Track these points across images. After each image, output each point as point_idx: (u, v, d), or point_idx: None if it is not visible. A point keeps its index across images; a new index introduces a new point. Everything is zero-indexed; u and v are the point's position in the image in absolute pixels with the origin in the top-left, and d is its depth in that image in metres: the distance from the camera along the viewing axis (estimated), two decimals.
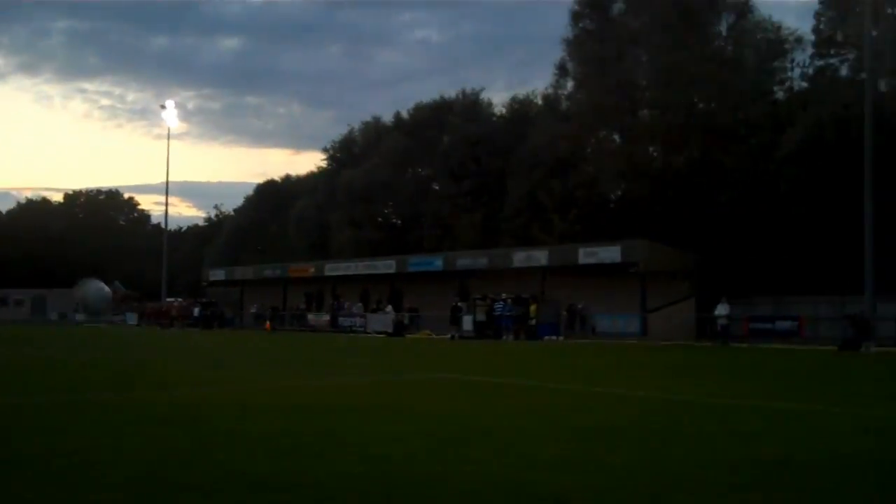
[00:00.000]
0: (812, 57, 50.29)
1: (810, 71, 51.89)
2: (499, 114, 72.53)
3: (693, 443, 10.36)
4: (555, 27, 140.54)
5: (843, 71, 47.37)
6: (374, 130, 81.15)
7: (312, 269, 64.67)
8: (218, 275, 75.26)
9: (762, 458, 9.26)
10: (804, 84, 52.54)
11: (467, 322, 47.87)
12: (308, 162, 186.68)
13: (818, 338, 38.22)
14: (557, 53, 70.42)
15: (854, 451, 9.67)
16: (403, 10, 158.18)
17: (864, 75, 38.58)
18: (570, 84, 61.50)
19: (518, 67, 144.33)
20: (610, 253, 45.36)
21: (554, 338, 43.33)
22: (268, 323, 58.33)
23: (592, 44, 57.69)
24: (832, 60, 48.80)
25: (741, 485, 7.85)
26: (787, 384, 18.72)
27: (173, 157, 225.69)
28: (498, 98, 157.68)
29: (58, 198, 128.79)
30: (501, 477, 8.21)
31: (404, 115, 79.61)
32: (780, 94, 55.69)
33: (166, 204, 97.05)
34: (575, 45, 59.38)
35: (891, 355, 30.02)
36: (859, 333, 33.60)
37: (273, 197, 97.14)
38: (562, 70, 61.31)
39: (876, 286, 36.23)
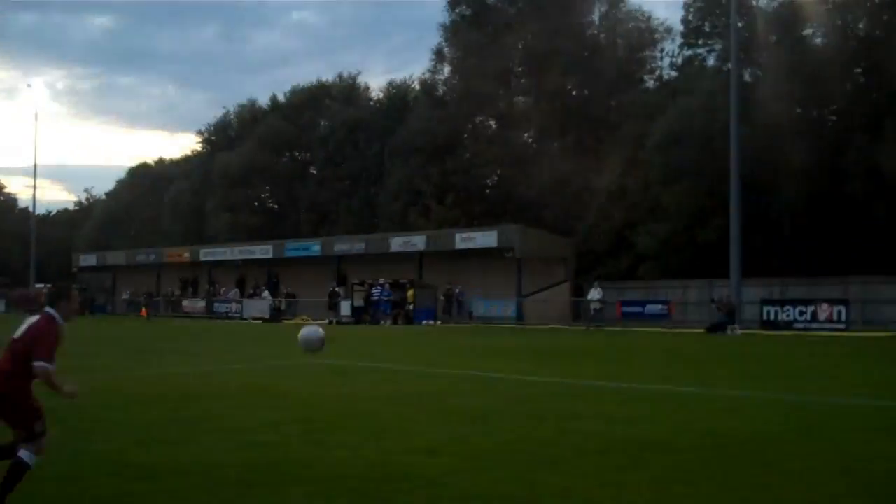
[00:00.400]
0: (681, 47, 51.65)
1: (679, 61, 53.31)
2: (376, 98, 72.37)
3: (564, 424, 10.61)
4: (433, 12, 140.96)
5: (711, 61, 48.79)
6: (251, 113, 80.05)
7: (188, 255, 63.45)
8: (89, 260, 73.09)
9: (631, 438, 9.57)
10: (673, 73, 53.97)
11: (345, 307, 47.78)
12: (183, 145, 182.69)
13: (687, 321, 39.37)
14: (436, 39, 70.64)
15: (721, 430, 10.06)
16: None
17: (730, 65, 39.79)
18: (447, 70, 61.87)
19: (397, 52, 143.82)
20: (486, 238, 45.82)
21: (431, 322, 43.56)
22: (143, 309, 57.11)
23: (469, 30, 58.13)
24: (700, 50, 50.21)
25: (610, 465, 8.12)
26: (657, 366, 19.26)
27: (44, 138, 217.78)
28: (376, 83, 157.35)
29: None
30: (376, 461, 8.30)
31: (281, 98, 78.76)
32: (650, 83, 57.14)
33: (34, 187, 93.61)
34: (452, 31, 59.76)
35: (755, 337, 31.17)
36: (726, 316, 34.78)
37: (147, 180, 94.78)
38: (439, 55, 61.67)
39: (742, 271, 37.51)
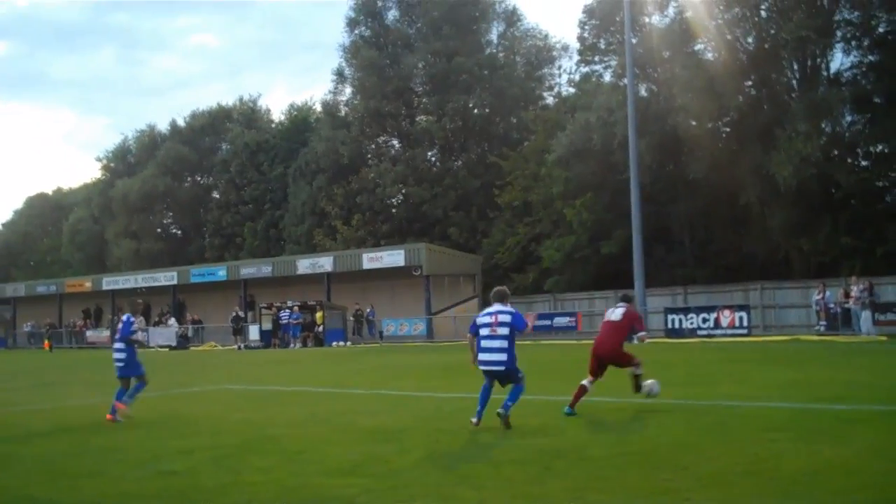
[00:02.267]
0: (578, 64, 52.51)
1: (577, 77, 54.23)
2: (278, 121, 71.98)
3: (477, 438, 10.71)
4: (334, 34, 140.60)
5: (607, 77, 49.71)
6: (150, 139, 78.96)
7: (89, 284, 62.09)
8: None
9: (545, 448, 9.68)
10: (571, 90, 54.82)
11: (254, 331, 47.31)
12: (83, 173, 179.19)
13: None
14: (337, 60, 70.63)
15: (632, 437, 10.26)
16: (179, 13, 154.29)
17: (625, 81, 40.59)
18: (348, 90, 61.89)
19: (298, 74, 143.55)
20: (393, 257, 45.89)
21: (341, 343, 43.38)
22: (46, 341, 55.58)
23: (369, 50, 58.26)
24: (596, 67, 51.10)
25: (525, 477, 8.20)
26: (567, 377, 19.42)
27: None
28: (278, 105, 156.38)
29: None
30: (291, 484, 8.27)
31: (181, 122, 77.83)
32: (549, 100, 57.99)
33: None
34: (352, 52, 59.86)
35: (661, 345, 31.70)
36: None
37: (45, 210, 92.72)
38: (340, 76, 61.71)
39: (645, 281, 38.22)
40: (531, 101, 57.40)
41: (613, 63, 48.22)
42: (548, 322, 41.97)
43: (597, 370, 12.74)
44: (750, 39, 42.90)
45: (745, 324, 35.71)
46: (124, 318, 14.54)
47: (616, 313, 12.90)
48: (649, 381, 12.95)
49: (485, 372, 11.71)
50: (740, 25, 42.74)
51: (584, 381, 12.74)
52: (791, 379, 15.49)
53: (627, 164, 38.64)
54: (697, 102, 40.06)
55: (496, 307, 11.73)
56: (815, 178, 36.93)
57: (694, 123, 40.91)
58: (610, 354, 12.79)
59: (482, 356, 11.63)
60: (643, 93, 45.70)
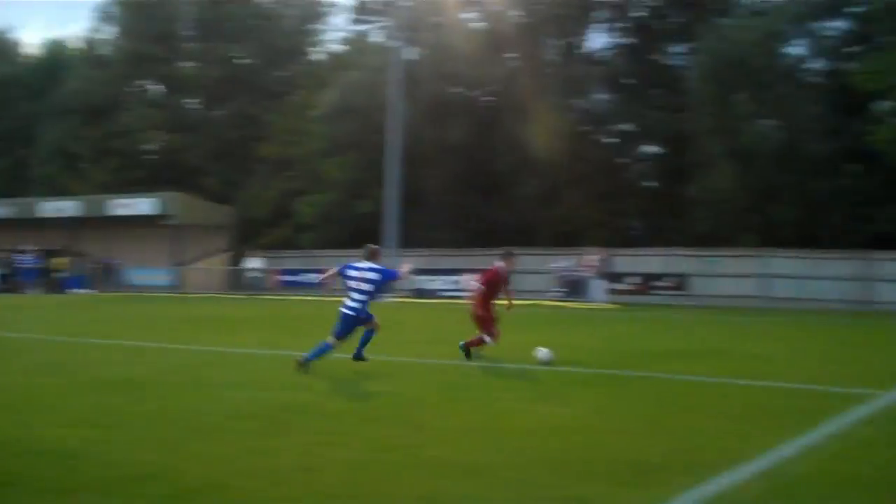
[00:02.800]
0: (351, 21, 52.32)
1: (348, 35, 53.98)
2: (32, 55, 67.57)
3: (216, 392, 10.57)
4: None
5: (378, 37, 49.76)
6: None
7: None
8: None
9: (283, 403, 9.68)
10: (342, 47, 54.53)
11: None
12: None
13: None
14: None
15: (370, 393, 10.43)
16: None
17: (395, 42, 40.83)
18: (110, 29, 58.95)
19: (58, 7, 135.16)
20: (145, 205, 44.44)
21: (84, 291, 41.66)
22: None
23: None
24: (367, 27, 51.09)
25: (260, 431, 8.18)
26: (311, 333, 19.45)
27: None
28: (34, 39, 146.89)
29: None
30: (14, 435, 7.92)
31: None
32: (318, 56, 57.48)
33: None
34: None
35: (408, 305, 32.25)
36: None
37: None
38: (102, 14, 58.65)
39: (399, 243, 38.78)
40: (300, 56, 56.67)
41: (385, 24, 48.37)
42: (297, 278, 41.90)
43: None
44: (515, 12, 44.12)
45: None
46: None
47: None
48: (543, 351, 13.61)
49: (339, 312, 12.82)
50: None
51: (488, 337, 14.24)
52: (525, 341, 16.16)
53: (389, 126, 38.93)
54: (462, 70, 40.79)
55: (366, 264, 13.03)
56: (564, 151, 38.46)
57: (458, 90, 41.65)
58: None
59: (344, 301, 12.90)
60: (412, 56, 46.10)
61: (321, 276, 14.18)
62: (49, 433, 8.00)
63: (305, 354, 12.22)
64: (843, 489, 6.25)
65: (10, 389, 10.71)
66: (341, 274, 13.26)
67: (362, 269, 12.95)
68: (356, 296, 12.80)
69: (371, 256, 13.28)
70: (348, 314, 12.68)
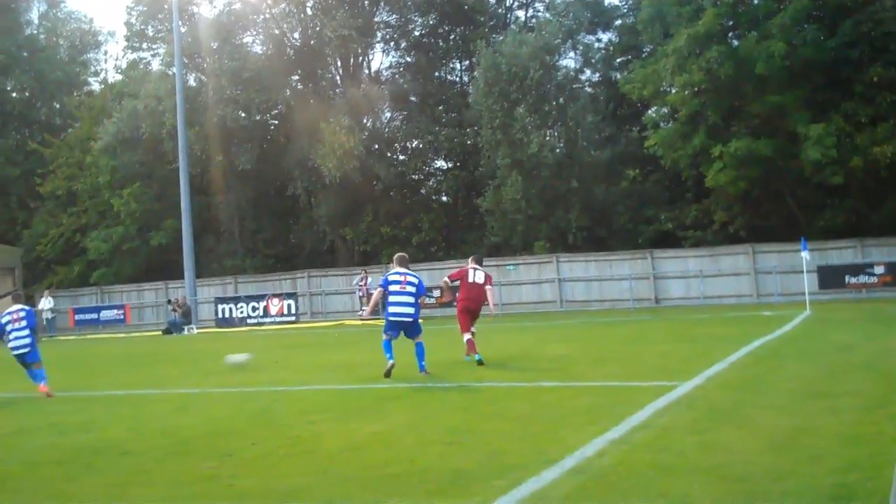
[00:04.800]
0: (125, 49, 50.98)
1: (124, 63, 52.54)
2: None
3: (12, 440, 10.20)
4: None
5: (156, 65, 48.71)
6: None
7: None
8: None
9: (86, 445, 9.38)
10: (119, 76, 53.00)
11: None
12: None
13: (144, 324, 39.11)
14: None
15: (175, 428, 10.19)
16: None
17: (174, 70, 40.09)
18: None
19: None
20: None
21: None
22: None
23: None
24: (144, 54, 49.96)
25: (63, 475, 7.93)
26: (112, 371, 18.96)
27: None
28: None
29: None
30: None
31: None
32: (95, 86, 55.67)
33: None
34: None
35: (211, 335, 31.78)
36: (182, 317, 35.14)
37: None
38: None
39: (196, 272, 38.10)
40: (76, 87, 54.57)
41: (161, 51, 47.40)
42: (94, 315, 40.55)
43: (471, 323, 15.36)
44: (297, 35, 44.15)
45: (294, 311, 36.72)
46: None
47: (479, 275, 15.43)
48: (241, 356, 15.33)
49: (394, 323, 13.76)
50: (287, 20, 43.85)
51: (468, 336, 15.08)
52: (334, 362, 16.21)
53: (177, 154, 38.18)
54: (245, 94, 40.44)
55: (403, 270, 14.06)
56: (357, 171, 38.72)
57: (243, 115, 41.23)
58: (480, 307, 15.53)
59: (393, 308, 13.80)
60: (192, 82, 45.35)
61: (365, 312, 15.12)
62: None
63: (422, 364, 13.61)
64: (647, 476, 6.62)
65: None
66: (383, 288, 14.06)
67: (402, 274, 13.96)
68: (406, 299, 13.78)
69: (404, 263, 14.39)
70: (406, 321, 13.73)
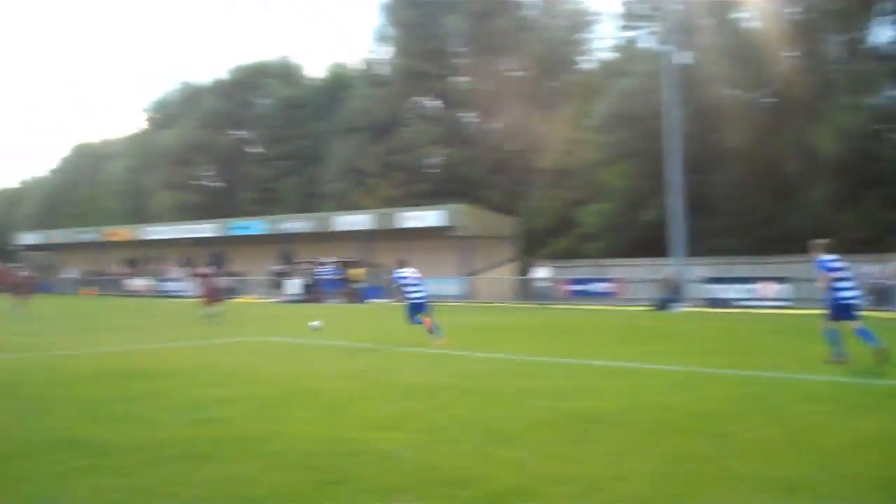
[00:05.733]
0: (621, 28, 52.00)
1: (618, 42, 53.63)
2: (318, 77, 71.82)
3: (515, 399, 10.78)
4: None
5: (649, 43, 49.11)
6: (191, 91, 79.07)
7: (131, 233, 62.66)
8: (31, 238, 71.91)
9: (582, 412, 9.75)
10: (612, 55, 54.21)
11: (292, 286, 47.58)
12: (127, 123, 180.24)
13: (632, 299, 39.77)
14: (377, 18, 70.36)
15: (670, 404, 10.29)
16: None
17: (666, 47, 40.18)
18: (387, 49, 61.68)
19: (339, 31, 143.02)
20: (432, 217, 45.79)
21: (379, 301, 43.54)
22: (89, 288, 56.24)
23: (408, 9, 58.01)
24: (638, 32, 50.58)
25: (563, 439, 8.27)
26: (605, 342, 19.47)
27: None
28: (318, 62, 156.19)
29: None
30: (330, 436, 8.41)
31: (222, 76, 77.98)
32: (590, 64, 57.44)
33: None
34: (392, 11, 59.62)
35: (700, 314, 31.60)
36: (670, 294, 35.27)
37: (90, 158, 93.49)
38: (379, 35, 61.51)
39: (686, 250, 38.00)
40: (571, 66, 56.84)
41: (656, 29, 47.72)
42: (586, 287, 41.75)
43: None
44: (793, 9, 42.29)
45: (787, 296, 35.36)
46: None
47: None
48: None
49: (844, 307, 14.08)
50: None
51: None
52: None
53: (668, 132, 38.29)
54: (739, 72, 39.54)
55: (834, 255, 14.38)
56: (857, 152, 36.40)
57: (736, 93, 40.38)
58: None
59: (844, 294, 14.11)
60: (686, 60, 45.14)
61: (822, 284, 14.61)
62: (362, 435, 8.48)
63: (876, 340, 13.60)
64: None
65: (321, 393, 11.41)
66: (827, 269, 14.28)
67: (837, 259, 14.37)
68: (849, 283, 14.23)
69: (831, 248, 14.63)
70: (857, 304, 14.23)
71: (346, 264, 45.63)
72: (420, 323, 19.27)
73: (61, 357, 16.35)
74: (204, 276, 33.16)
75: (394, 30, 60.21)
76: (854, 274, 14.34)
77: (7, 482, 6.78)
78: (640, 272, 41.52)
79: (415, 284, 19.75)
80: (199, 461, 7.41)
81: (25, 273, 42.15)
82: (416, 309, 19.61)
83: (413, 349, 17.54)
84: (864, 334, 13.76)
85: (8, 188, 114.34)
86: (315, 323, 22.64)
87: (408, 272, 19.87)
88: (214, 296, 29.24)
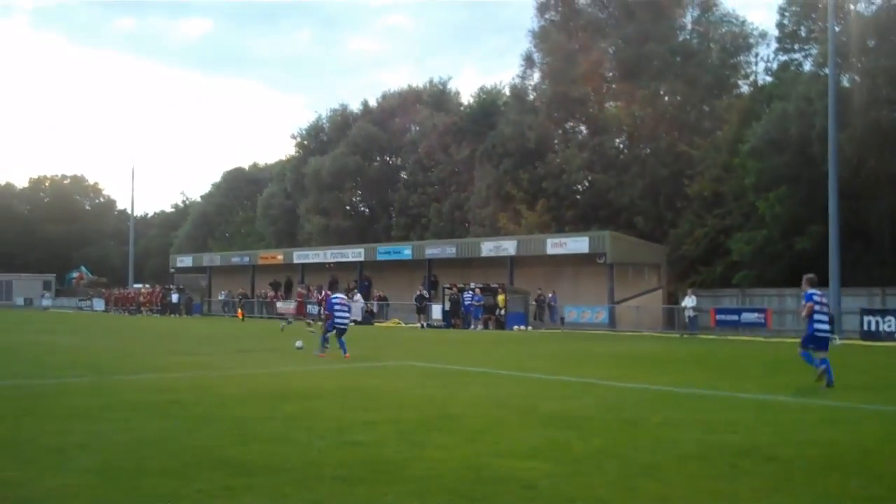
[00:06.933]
0: (776, 52, 50.80)
1: (774, 65, 52.38)
2: (467, 103, 72.54)
3: (660, 431, 10.53)
4: (526, 16, 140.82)
5: (807, 66, 47.79)
6: (342, 118, 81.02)
7: (281, 257, 64.35)
8: (185, 261, 74.68)
9: (730, 445, 9.45)
10: (768, 78, 52.98)
11: (436, 311, 47.91)
12: (277, 149, 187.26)
13: (784, 330, 38.56)
14: (526, 44, 70.61)
15: (822, 440, 9.87)
16: None
17: (827, 70, 38.91)
18: (536, 75, 61.85)
19: (488, 56, 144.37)
20: (578, 243, 45.46)
21: (522, 327, 43.47)
22: (240, 310, 58.08)
23: (558, 35, 58.01)
24: (796, 55, 49.26)
25: (709, 473, 8.04)
26: (754, 375, 18.95)
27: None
28: (467, 87, 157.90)
29: (22, 182, 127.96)
30: (471, 463, 8.36)
31: (372, 102, 79.63)
32: (744, 88, 56.24)
33: (132, 189, 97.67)
34: (541, 37, 59.77)
35: (855, 347, 30.43)
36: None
37: (241, 183, 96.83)
38: (528, 61, 61.85)
39: (840, 280, 36.61)
40: (725, 90, 55.73)
41: (814, 51, 46.40)
42: (735, 317, 40.71)
43: None
44: None
45: None
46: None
47: None
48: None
49: (822, 340, 15.65)
50: None
51: None
52: None
53: (825, 157, 37.02)
54: None
55: (819, 290, 15.75)
56: None
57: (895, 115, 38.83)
58: None
59: (821, 326, 15.62)
60: (845, 83, 43.68)
61: None
62: (504, 463, 8.40)
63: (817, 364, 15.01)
64: None
65: (463, 419, 11.37)
66: (814, 303, 15.63)
67: (822, 296, 15.95)
68: (826, 318, 15.79)
69: (814, 283, 15.92)
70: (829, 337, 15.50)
71: (491, 290, 45.72)
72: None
73: (212, 377, 16.85)
74: (300, 294, 35.59)
75: (542, 55, 60.34)
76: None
77: (156, 500, 6.98)
78: (791, 302, 40.24)
79: (342, 308, 21.74)
80: (343, 484, 7.49)
81: (144, 291, 44.09)
82: (340, 333, 21.62)
83: (557, 377, 17.41)
84: (824, 363, 15.17)
85: (163, 211, 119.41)
86: (299, 343, 24.39)
87: (339, 296, 22.10)
88: (300, 310, 34.40)
